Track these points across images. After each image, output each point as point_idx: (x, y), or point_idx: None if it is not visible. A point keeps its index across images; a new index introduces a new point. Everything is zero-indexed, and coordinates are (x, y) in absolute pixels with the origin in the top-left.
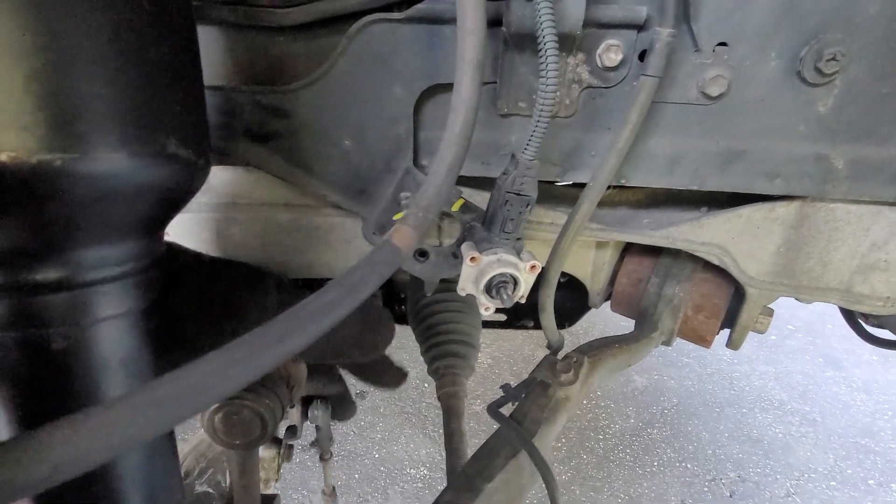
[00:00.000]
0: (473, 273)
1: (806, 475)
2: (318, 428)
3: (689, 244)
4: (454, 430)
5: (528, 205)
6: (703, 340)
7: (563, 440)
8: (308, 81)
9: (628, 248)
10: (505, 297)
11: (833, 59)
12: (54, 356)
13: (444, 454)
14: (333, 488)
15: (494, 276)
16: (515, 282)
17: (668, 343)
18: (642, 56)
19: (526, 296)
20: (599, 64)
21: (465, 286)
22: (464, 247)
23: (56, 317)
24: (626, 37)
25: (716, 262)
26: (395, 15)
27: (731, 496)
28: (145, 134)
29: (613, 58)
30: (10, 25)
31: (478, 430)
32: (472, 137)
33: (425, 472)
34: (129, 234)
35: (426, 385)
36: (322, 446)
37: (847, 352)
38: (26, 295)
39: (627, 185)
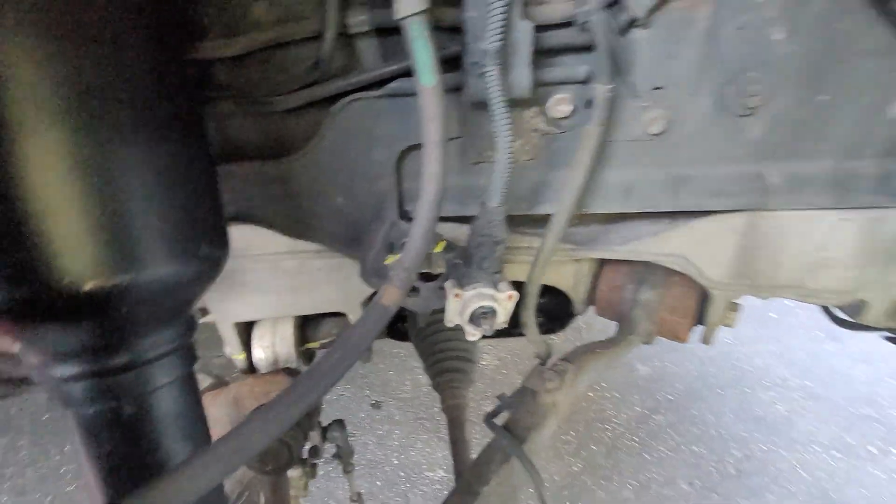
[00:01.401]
0: (458, 307)
1: (809, 448)
2: (338, 446)
3: (654, 256)
4: (458, 439)
5: (498, 244)
6: (679, 338)
7: (573, 433)
8: (303, 153)
9: (605, 259)
10: (486, 326)
11: (754, 94)
12: (126, 420)
13: None
14: (359, 494)
15: (476, 309)
16: (495, 311)
17: (647, 342)
18: (590, 103)
19: (507, 320)
20: (552, 115)
21: (452, 318)
22: (447, 284)
23: (126, 390)
24: (573, 90)
25: (680, 269)
26: (373, 93)
27: (737, 474)
28: (185, 246)
29: (563, 109)
30: (81, 185)
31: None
32: (441, 203)
33: (443, 474)
34: (174, 319)
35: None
36: (344, 461)
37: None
38: (103, 377)
39: (589, 212)
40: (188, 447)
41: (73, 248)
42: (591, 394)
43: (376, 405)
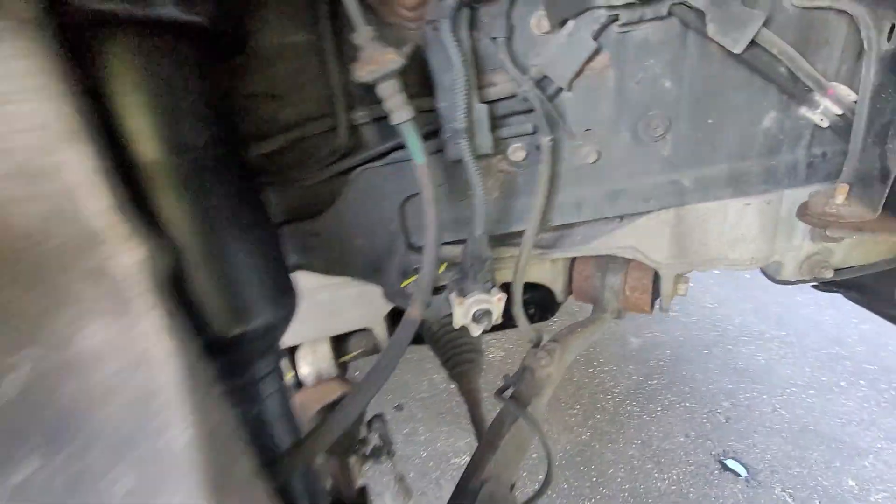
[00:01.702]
0: (462, 311)
1: (788, 390)
2: (380, 435)
3: (611, 249)
4: (476, 415)
5: (486, 260)
6: (643, 310)
7: (578, 406)
8: (330, 211)
9: (576, 256)
10: (485, 323)
11: (658, 126)
12: (251, 419)
13: None
14: (402, 476)
15: (476, 311)
16: (490, 311)
17: (618, 317)
18: (539, 148)
19: (501, 316)
20: (512, 159)
21: (459, 321)
22: (451, 296)
23: (250, 399)
24: (525, 140)
25: (631, 257)
26: (378, 163)
27: (726, 421)
28: (276, 298)
29: (520, 154)
30: (225, 271)
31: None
32: (440, 239)
33: (468, 458)
34: (271, 349)
35: (452, 386)
36: (386, 447)
37: None
38: (234, 392)
39: (552, 225)
40: (288, 436)
41: (223, 311)
42: (590, 370)
43: (399, 407)
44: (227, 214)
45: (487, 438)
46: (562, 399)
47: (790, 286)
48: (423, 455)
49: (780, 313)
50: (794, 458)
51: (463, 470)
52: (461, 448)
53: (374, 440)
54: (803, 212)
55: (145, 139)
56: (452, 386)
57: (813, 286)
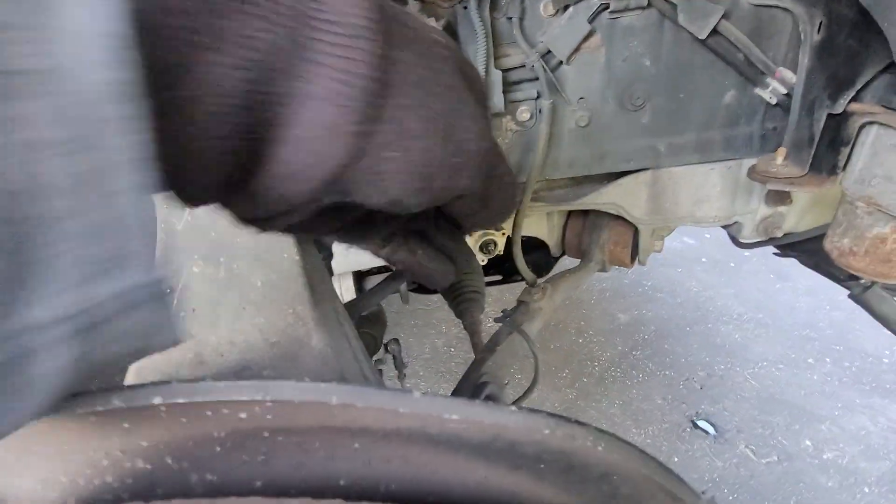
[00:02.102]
0: (471, 242)
1: (759, 364)
2: (394, 357)
3: (597, 205)
4: (477, 342)
5: None
6: (624, 263)
7: (567, 370)
8: None
9: (570, 214)
10: (492, 249)
11: (639, 98)
12: None
13: None
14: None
15: (483, 241)
16: (495, 241)
17: (603, 270)
18: (541, 110)
19: (502, 249)
20: (519, 119)
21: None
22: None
23: None
24: (530, 104)
25: (615, 213)
26: None
27: (701, 388)
28: None
29: (525, 115)
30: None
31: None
32: None
33: None
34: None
35: (452, 350)
36: (399, 369)
37: (794, 265)
38: None
39: (549, 178)
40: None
41: None
42: (580, 340)
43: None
44: None
45: (486, 346)
46: (552, 364)
47: (771, 274)
48: None
49: (760, 298)
50: (758, 421)
51: None
52: None
53: (389, 360)
54: (752, 171)
55: None
56: (452, 350)
57: (774, 253)
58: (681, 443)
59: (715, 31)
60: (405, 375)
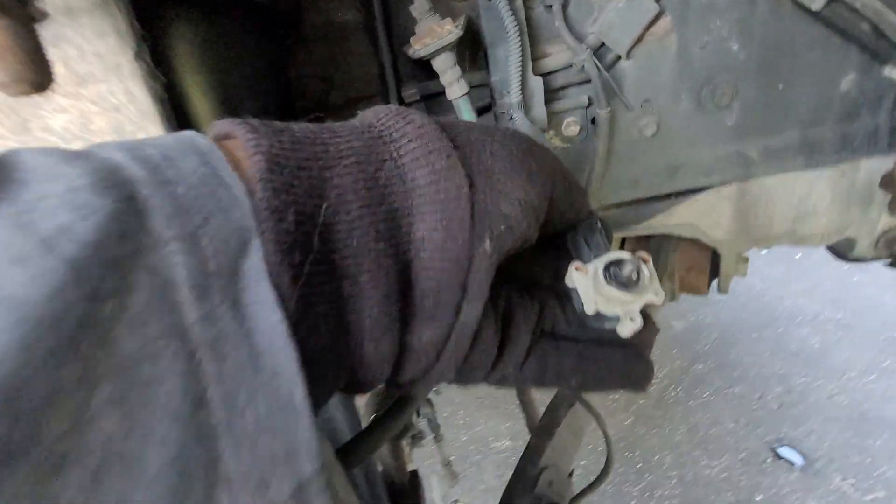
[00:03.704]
0: None
1: (846, 375)
2: (428, 420)
3: (667, 228)
4: (526, 400)
5: None
6: (699, 291)
7: (619, 393)
8: None
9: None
10: None
11: (724, 93)
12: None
13: (521, 427)
14: (448, 460)
15: None
16: None
17: (673, 299)
18: (594, 120)
19: None
20: (565, 134)
21: None
22: None
23: None
24: (578, 113)
25: (689, 235)
26: None
27: (778, 408)
28: None
29: (573, 129)
30: None
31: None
32: None
33: (508, 443)
34: None
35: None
36: (435, 432)
37: None
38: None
39: (605, 204)
40: (350, 426)
41: None
42: None
43: (437, 391)
44: None
45: (543, 425)
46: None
47: (846, 265)
48: (464, 438)
49: (836, 294)
50: (853, 446)
51: (503, 454)
52: (501, 432)
53: (423, 425)
54: (888, 181)
55: (205, 117)
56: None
57: (891, 264)
58: (763, 476)
59: None
60: (443, 437)
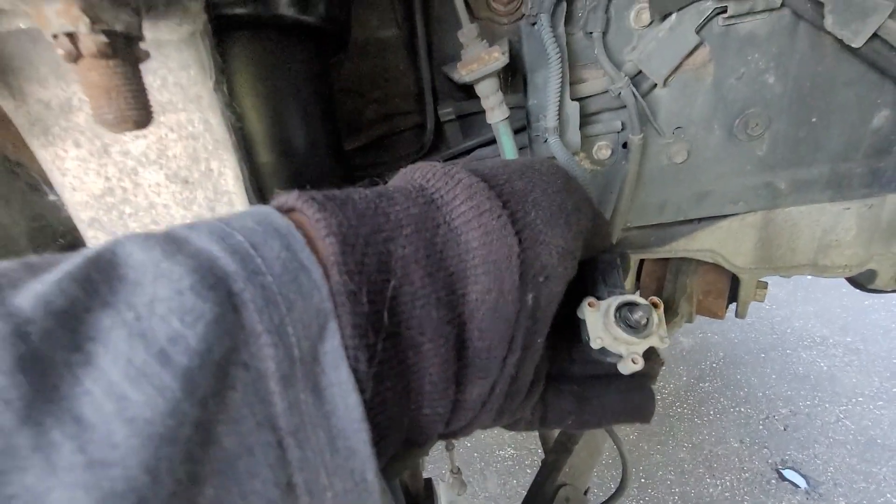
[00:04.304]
0: None
1: (854, 400)
2: None
3: (688, 252)
4: (546, 435)
5: None
6: (716, 315)
7: None
8: None
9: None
10: None
11: (756, 125)
12: None
13: (524, 436)
14: (458, 468)
15: None
16: None
17: (689, 321)
18: (625, 145)
19: None
20: (597, 157)
21: None
22: None
23: None
24: (611, 137)
25: (710, 260)
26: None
27: (784, 429)
28: None
29: (605, 153)
30: None
31: None
32: None
33: (512, 451)
34: None
35: None
36: (446, 440)
37: None
38: None
39: (632, 226)
40: None
41: None
42: None
43: None
44: None
45: (560, 441)
46: None
47: (856, 290)
48: (468, 445)
49: (846, 318)
50: (859, 471)
51: (507, 462)
52: (505, 440)
53: None
54: None
55: (260, 140)
56: None
57: None
58: (766, 497)
59: (874, 35)
60: (454, 446)
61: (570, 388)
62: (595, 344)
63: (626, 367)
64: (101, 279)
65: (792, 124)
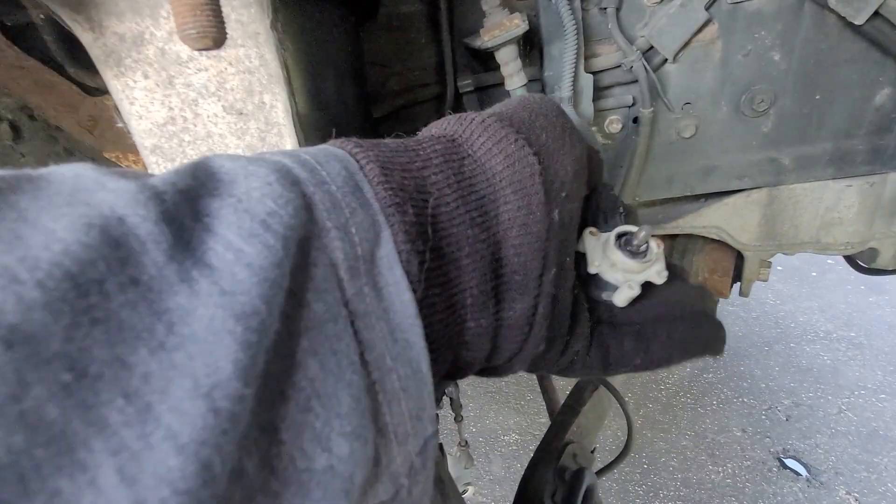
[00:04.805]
0: None
1: (856, 393)
2: (451, 399)
3: (694, 228)
4: (546, 386)
5: None
6: (721, 294)
7: (629, 395)
8: None
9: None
10: None
11: (762, 101)
12: None
13: (529, 422)
14: (466, 441)
15: None
16: None
17: None
18: (636, 120)
19: None
20: (608, 131)
21: None
22: None
23: None
24: (622, 112)
25: (716, 237)
26: None
27: (787, 420)
28: None
29: (616, 126)
30: None
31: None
32: None
33: (517, 437)
34: None
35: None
36: (455, 411)
37: (889, 276)
38: None
39: (640, 200)
40: None
41: None
42: None
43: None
44: None
45: (568, 403)
46: (620, 383)
47: (861, 285)
48: (473, 430)
49: (850, 313)
50: (861, 461)
51: (511, 447)
52: (510, 426)
53: (445, 403)
54: None
55: (298, 92)
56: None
57: None
58: (767, 485)
59: (876, 14)
60: (462, 418)
61: (630, 330)
62: (591, 269)
63: (621, 296)
64: (204, 176)
65: (796, 101)
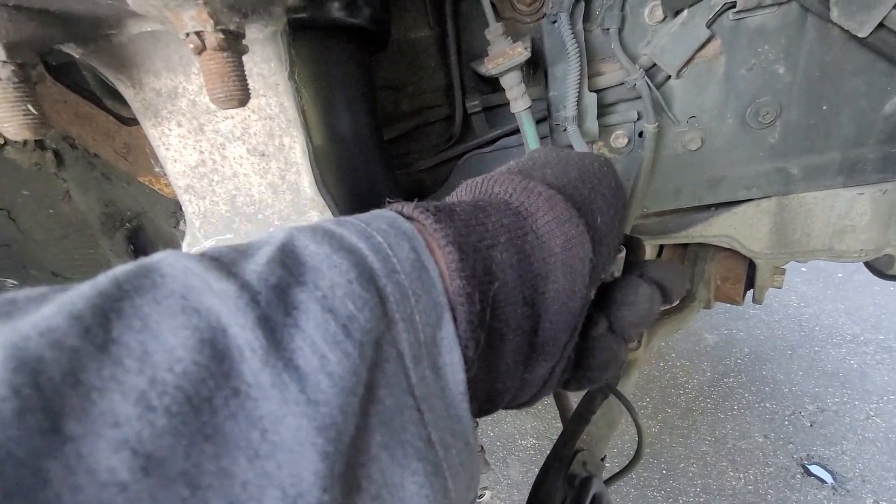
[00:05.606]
0: None
1: (885, 398)
2: None
3: (705, 238)
4: (559, 393)
5: None
6: (734, 301)
7: (648, 399)
8: (437, 194)
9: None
10: None
11: (767, 113)
12: None
13: (546, 426)
14: (482, 447)
15: None
16: None
17: (707, 307)
18: (642, 134)
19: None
20: (613, 146)
21: None
22: None
23: None
24: (627, 127)
25: (727, 246)
26: (486, 149)
27: (811, 425)
28: None
29: (621, 141)
30: None
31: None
32: None
33: (534, 441)
34: None
35: None
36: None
37: None
38: None
39: (648, 212)
40: None
41: None
42: (661, 363)
43: None
44: (370, 198)
45: (578, 412)
46: (629, 391)
47: (889, 287)
48: (491, 434)
49: (879, 315)
50: (889, 469)
51: (529, 451)
52: (528, 431)
53: None
54: None
55: (313, 126)
56: None
57: None
58: (791, 492)
59: (881, 26)
60: (477, 424)
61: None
62: None
63: None
64: (292, 263)
65: (802, 112)
